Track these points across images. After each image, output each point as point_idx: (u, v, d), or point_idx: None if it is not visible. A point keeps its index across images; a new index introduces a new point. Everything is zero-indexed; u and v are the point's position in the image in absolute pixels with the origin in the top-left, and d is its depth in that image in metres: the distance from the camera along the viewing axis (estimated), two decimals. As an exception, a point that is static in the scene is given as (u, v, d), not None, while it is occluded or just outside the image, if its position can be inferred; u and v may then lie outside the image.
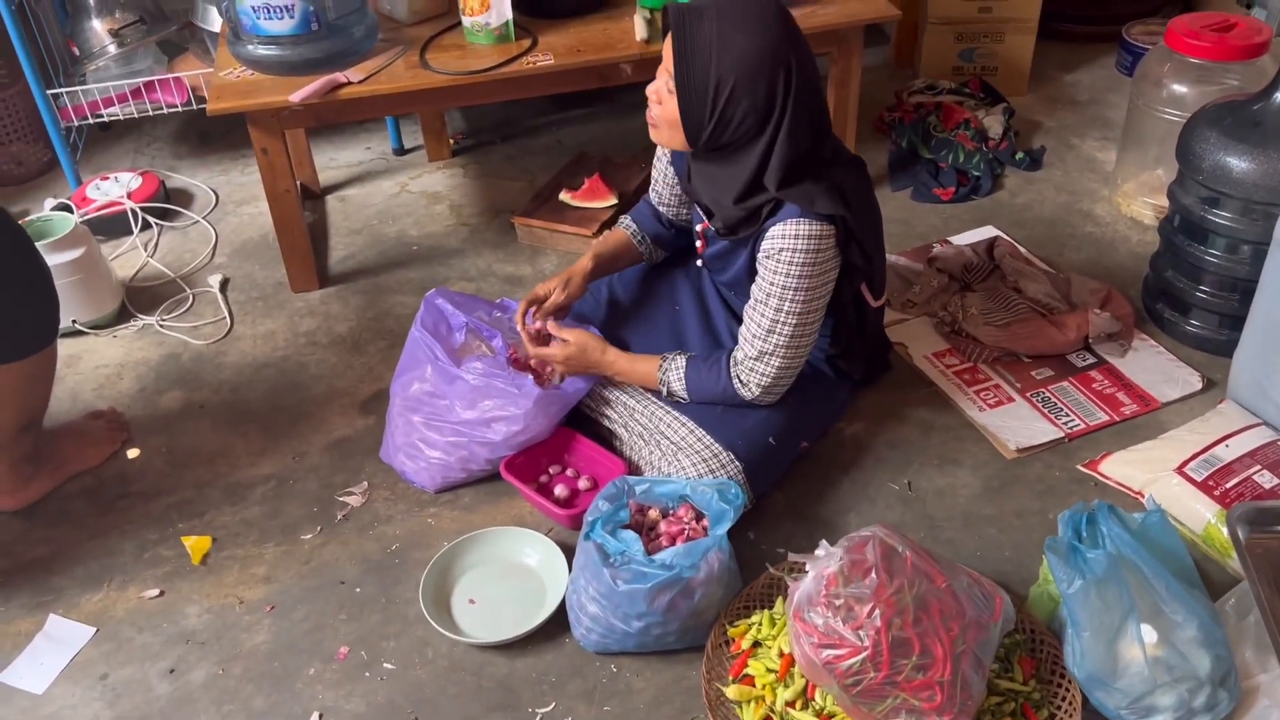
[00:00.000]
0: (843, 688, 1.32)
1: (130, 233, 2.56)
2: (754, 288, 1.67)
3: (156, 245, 2.56)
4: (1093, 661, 1.36)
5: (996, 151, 2.69)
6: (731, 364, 1.71)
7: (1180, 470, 1.68)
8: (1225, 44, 2.21)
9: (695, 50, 1.54)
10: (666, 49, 1.58)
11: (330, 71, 2.13)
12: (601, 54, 2.20)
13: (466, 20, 2.24)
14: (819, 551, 1.38)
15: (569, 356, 1.78)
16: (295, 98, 2.05)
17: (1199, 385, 1.96)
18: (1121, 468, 1.77)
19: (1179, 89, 2.31)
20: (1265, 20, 2.36)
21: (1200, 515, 1.63)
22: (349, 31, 2.17)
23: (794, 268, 1.60)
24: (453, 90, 2.16)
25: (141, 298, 2.38)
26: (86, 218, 2.49)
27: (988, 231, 2.42)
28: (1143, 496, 1.72)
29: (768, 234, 1.62)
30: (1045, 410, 1.92)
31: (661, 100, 1.61)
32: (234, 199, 2.74)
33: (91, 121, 2.68)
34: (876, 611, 1.31)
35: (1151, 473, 1.72)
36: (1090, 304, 2.09)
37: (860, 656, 1.30)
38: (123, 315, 2.32)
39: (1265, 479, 1.64)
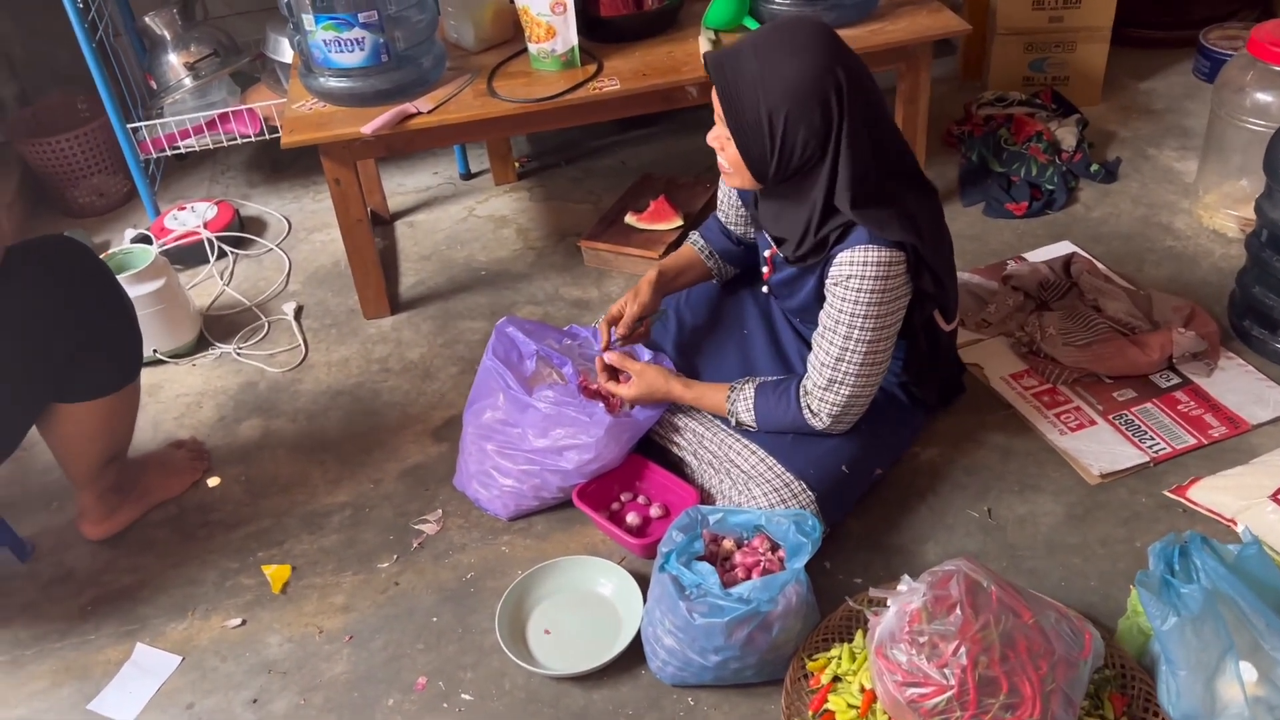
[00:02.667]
0: (928, 727, 1.29)
1: (207, 261, 2.62)
2: (822, 315, 1.65)
3: (232, 274, 2.62)
4: (1189, 701, 1.32)
5: (1070, 164, 2.63)
6: (801, 393, 1.69)
7: (1275, 497, 1.63)
8: (1312, 51, 2.14)
9: (741, 91, 1.53)
10: (715, 96, 1.57)
11: (400, 102, 2.16)
12: (667, 77, 2.20)
13: (533, 47, 2.25)
14: (901, 586, 1.35)
15: (638, 395, 1.78)
16: (367, 130, 2.08)
17: (1291, 406, 1.90)
18: (1211, 494, 1.72)
19: (1263, 98, 2.24)
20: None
21: (1298, 545, 1.57)
22: (418, 62, 2.20)
23: (863, 294, 1.58)
24: (521, 118, 2.18)
25: (219, 326, 2.43)
26: (165, 248, 2.55)
27: (1064, 247, 2.37)
28: (1235, 524, 1.66)
29: (835, 260, 1.60)
30: (1129, 433, 1.87)
31: (724, 146, 1.61)
32: (306, 226, 2.79)
33: (169, 153, 2.75)
34: (962, 649, 1.28)
35: (1244, 499, 1.66)
36: (1174, 322, 2.03)
37: (946, 695, 1.27)
38: (201, 344, 2.37)
39: (1367, 507, 1.58)
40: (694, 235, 1.99)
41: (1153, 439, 1.86)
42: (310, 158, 2.96)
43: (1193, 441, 1.85)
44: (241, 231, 2.72)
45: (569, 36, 2.21)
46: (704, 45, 2.23)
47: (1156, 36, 3.14)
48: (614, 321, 1.87)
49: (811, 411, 1.68)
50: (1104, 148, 2.76)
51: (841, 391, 1.65)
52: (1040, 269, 2.21)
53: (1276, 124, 2.15)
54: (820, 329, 1.65)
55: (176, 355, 2.33)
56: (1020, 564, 1.68)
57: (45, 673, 1.67)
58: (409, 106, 2.14)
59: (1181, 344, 1.96)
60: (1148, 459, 1.82)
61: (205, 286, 2.57)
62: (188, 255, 2.62)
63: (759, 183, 1.60)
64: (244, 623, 1.72)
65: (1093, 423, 1.90)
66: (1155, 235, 2.42)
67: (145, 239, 2.59)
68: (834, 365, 1.63)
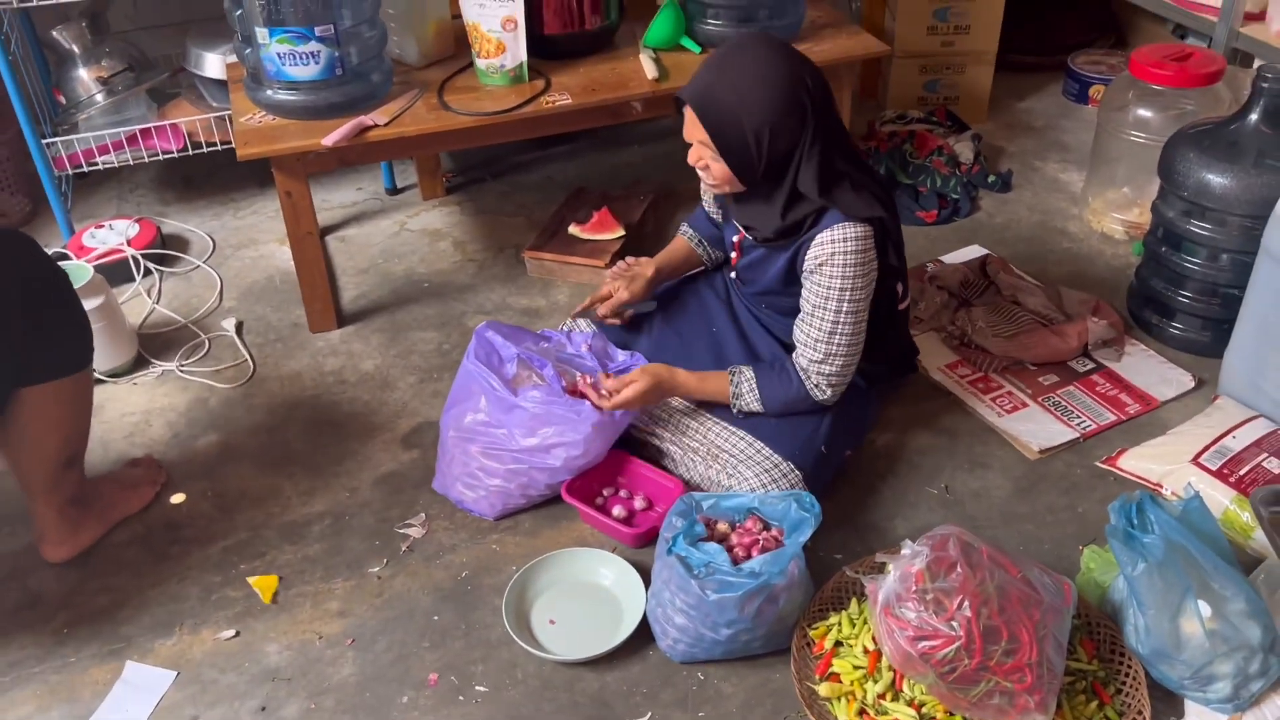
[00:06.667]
0: (939, 676, 1.41)
1: (131, 280, 2.55)
2: (805, 299, 1.78)
3: (160, 292, 2.55)
4: (1157, 638, 1.48)
5: (970, 175, 2.86)
6: (799, 371, 1.81)
7: (1196, 461, 1.83)
8: (1186, 72, 2.41)
9: (724, 121, 1.67)
10: (694, 125, 1.70)
11: (353, 115, 2.17)
12: (616, 93, 2.29)
13: (481, 62, 2.31)
14: (905, 550, 1.47)
15: (644, 393, 1.82)
16: (328, 141, 2.09)
17: (1191, 384, 2.12)
18: (1139, 462, 1.91)
19: (1144, 114, 2.51)
20: (1210, 49, 2.58)
21: (1218, 501, 1.77)
22: (369, 76, 2.22)
23: (847, 269, 1.72)
24: (475, 130, 2.23)
25: (154, 344, 2.37)
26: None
27: (975, 250, 2.58)
28: (1161, 488, 1.86)
29: (815, 242, 1.73)
30: (1058, 413, 2.06)
31: (709, 165, 1.73)
32: (231, 243, 2.74)
33: (85, 169, 2.66)
34: (965, 603, 1.41)
35: (1168, 465, 1.87)
36: (1084, 313, 2.24)
37: (955, 645, 1.40)
38: (139, 363, 2.30)
39: (1273, 465, 1.80)
40: (684, 227, 2.11)
41: (1079, 417, 2.06)
42: (224, 173, 2.94)
43: (1113, 418, 2.05)
44: (164, 249, 2.65)
45: (519, 52, 2.28)
46: (648, 67, 2.34)
47: (1030, 61, 3.43)
48: (600, 300, 1.99)
49: (814, 385, 1.80)
50: (995, 161, 3.01)
51: (835, 363, 1.77)
52: (960, 269, 2.41)
53: (1156, 136, 2.41)
54: (808, 309, 1.77)
55: (115, 374, 2.26)
56: (981, 533, 1.80)
57: (29, 697, 1.61)
58: (366, 119, 2.16)
59: (1096, 332, 2.18)
60: (1077, 435, 2.02)
61: (132, 305, 2.50)
62: (110, 274, 2.53)
63: (746, 187, 1.72)
64: (238, 634, 1.70)
65: (1025, 405, 2.09)
66: (1052, 238, 2.66)
67: (62, 258, 2.50)
68: (827, 340, 1.76)
